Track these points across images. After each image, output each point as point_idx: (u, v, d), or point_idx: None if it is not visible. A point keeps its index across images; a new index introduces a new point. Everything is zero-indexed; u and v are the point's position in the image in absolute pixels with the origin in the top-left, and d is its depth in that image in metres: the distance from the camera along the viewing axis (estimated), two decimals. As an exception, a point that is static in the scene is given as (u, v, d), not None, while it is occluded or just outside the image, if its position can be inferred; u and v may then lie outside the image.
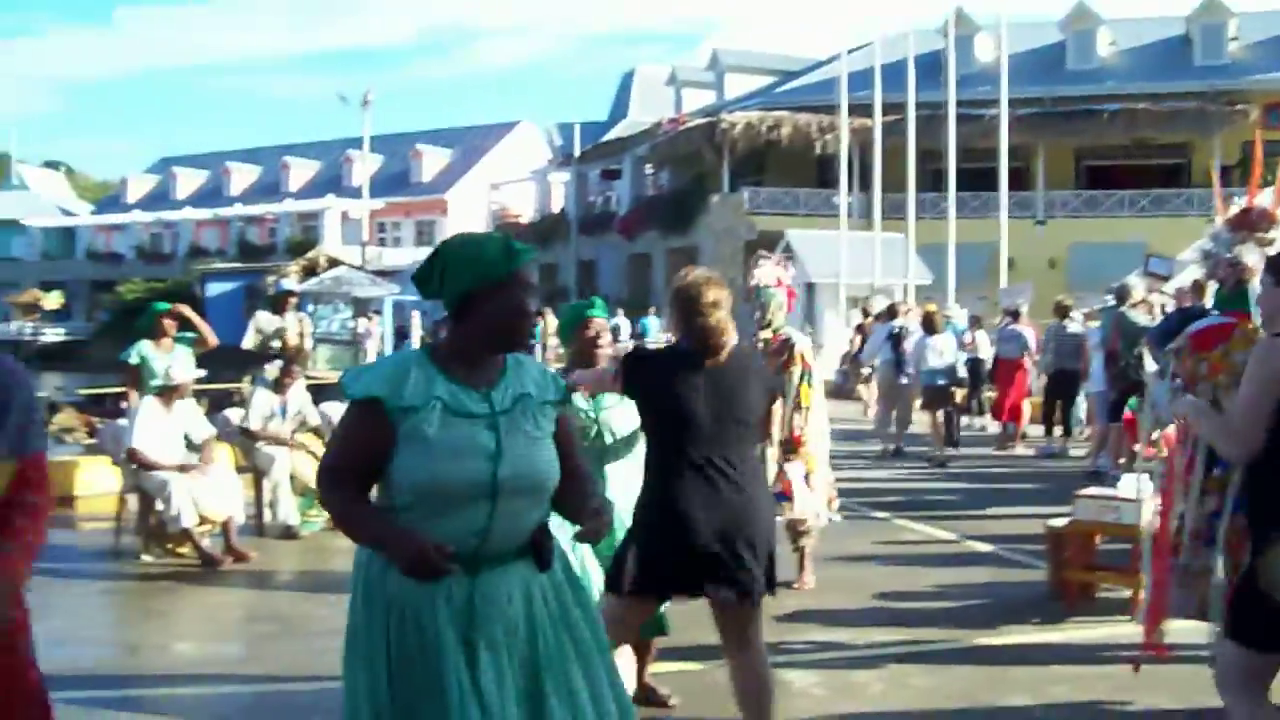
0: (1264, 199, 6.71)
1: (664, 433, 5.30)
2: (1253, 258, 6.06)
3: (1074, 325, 17.93)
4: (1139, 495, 8.40)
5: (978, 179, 40.82)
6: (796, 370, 8.74)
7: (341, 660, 3.70)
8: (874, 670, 7.28)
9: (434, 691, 3.53)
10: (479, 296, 3.71)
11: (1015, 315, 20.03)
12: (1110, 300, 15.22)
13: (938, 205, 39.19)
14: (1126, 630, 8.06)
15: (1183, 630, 6.43)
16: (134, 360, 11.14)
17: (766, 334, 8.99)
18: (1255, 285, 5.47)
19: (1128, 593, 8.56)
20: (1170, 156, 46.08)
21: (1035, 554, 9.67)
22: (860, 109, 37.99)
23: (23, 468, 3.95)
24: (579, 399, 5.97)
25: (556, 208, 63.23)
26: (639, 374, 5.40)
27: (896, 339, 19.05)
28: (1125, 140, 44.14)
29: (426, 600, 3.57)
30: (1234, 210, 6.61)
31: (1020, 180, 42.28)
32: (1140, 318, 14.07)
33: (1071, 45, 47.75)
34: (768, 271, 9.14)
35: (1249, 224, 6.51)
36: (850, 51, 38.18)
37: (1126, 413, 13.03)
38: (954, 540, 11.28)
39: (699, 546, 5.12)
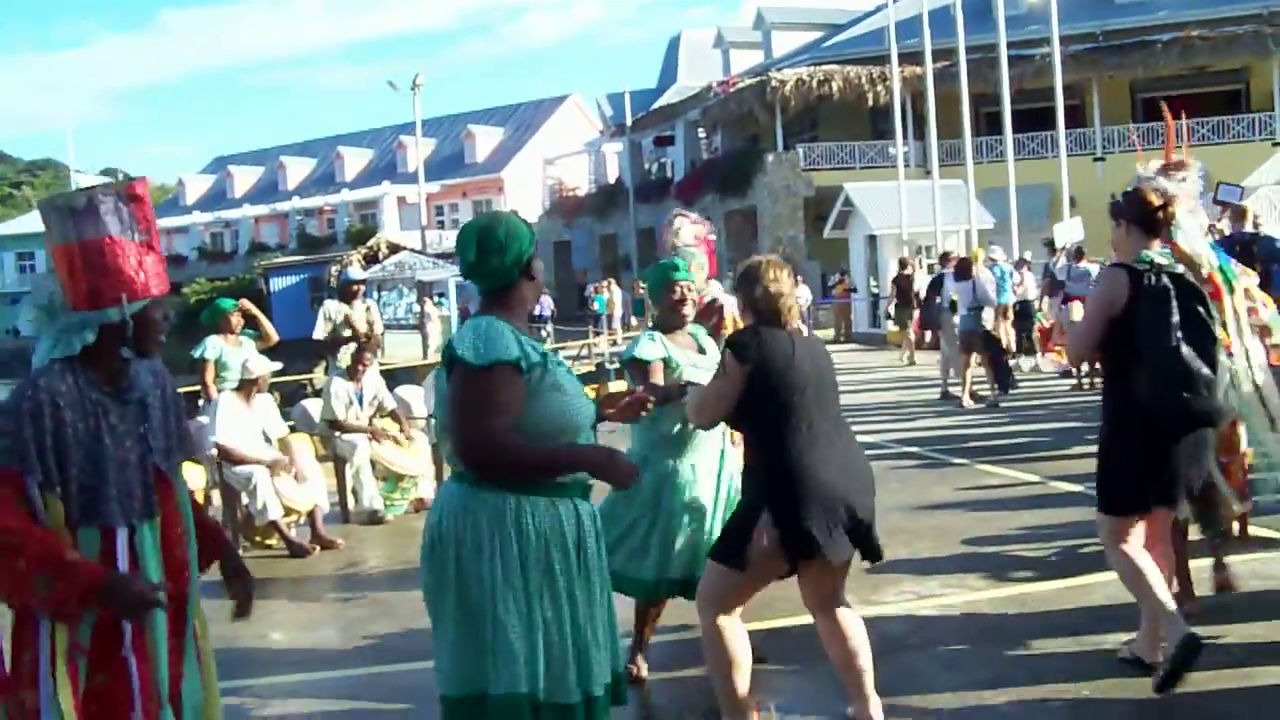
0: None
1: (793, 398, 5.27)
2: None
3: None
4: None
5: (1033, 119, 40.41)
6: (728, 334, 7.87)
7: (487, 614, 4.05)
8: (968, 617, 7.26)
9: (572, 598, 4.15)
10: (529, 266, 4.31)
11: (1079, 254, 19.90)
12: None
13: (995, 149, 38.84)
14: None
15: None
16: (208, 355, 11.24)
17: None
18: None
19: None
20: (1228, 83, 45.35)
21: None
22: (909, 57, 37.61)
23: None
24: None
25: (612, 178, 63.16)
26: (753, 348, 5.32)
27: (937, 285, 19.20)
28: (1181, 69, 43.46)
29: (568, 522, 4.18)
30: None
31: (1076, 117, 41.82)
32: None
33: (1121, -24, 47.10)
34: (687, 230, 8.47)
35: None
36: (896, 0, 37.80)
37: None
38: (1039, 482, 11.20)
39: (843, 509, 5.21)
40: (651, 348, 6.38)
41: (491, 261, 4.24)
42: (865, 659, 5.42)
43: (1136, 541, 5.94)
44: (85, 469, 3.71)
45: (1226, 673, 5.99)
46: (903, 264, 27.66)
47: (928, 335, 24.39)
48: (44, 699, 3.65)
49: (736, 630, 5.36)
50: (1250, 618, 6.82)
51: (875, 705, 5.40)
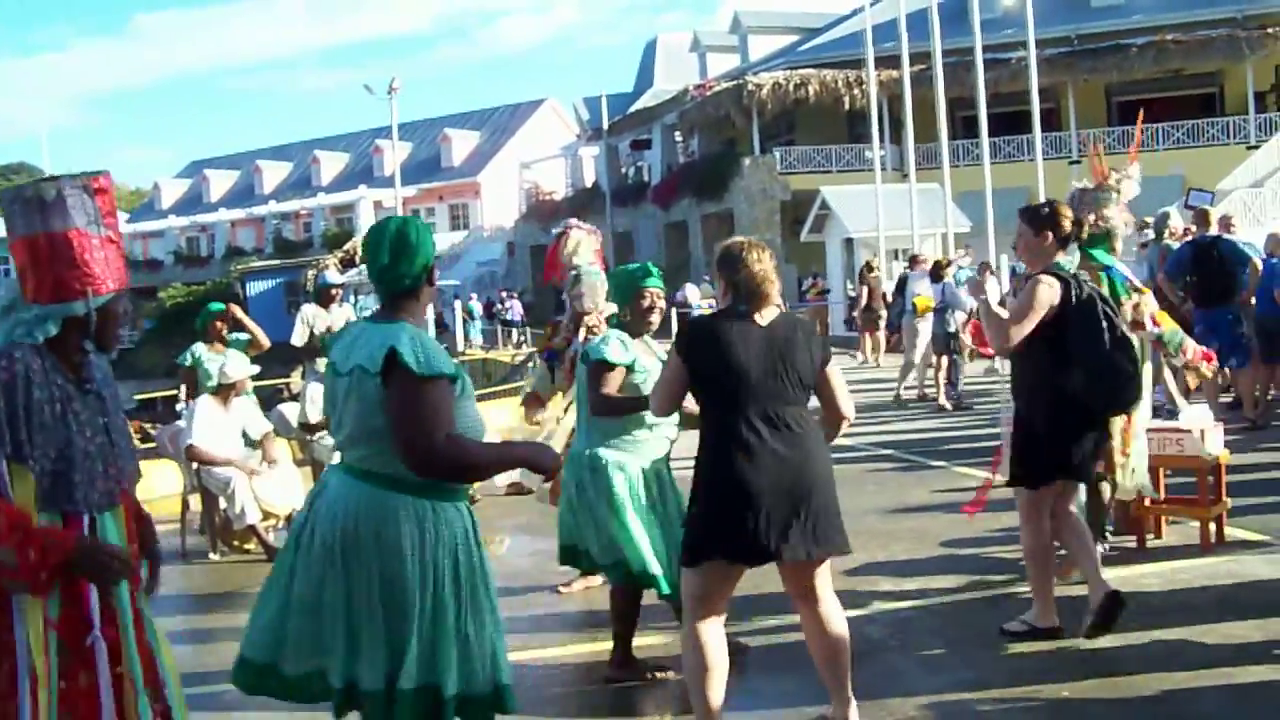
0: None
1: (719, 391, 5.25)
2: (1111, 210, 8.00)
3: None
4: (1201, 426, 8.43)
5: (1009, 123, 40.54)
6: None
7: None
8: (946, 618, 7.27)
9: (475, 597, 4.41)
10: (431, 272, 4.42)
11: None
12: (1149, 234, 15.11)
13: (971, 152, 38.94)
14: (1197, 562, 8.06)
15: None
16: (189, 363, 11.22)
17: (593, 319, 8.15)
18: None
19: (1195, 524, 8.54)
20: (1203, 86, 45.60)
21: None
22: (886, 61, 37.71)
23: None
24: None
25: (589, 182, 63.22)
26: (692, 336, 5.37)
27: (901, 287, 19.60)
28: (1156, 72, 43.68)
29: (468, 527, 4.44)
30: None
31: (1052, 121, 41.96)
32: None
33: (1095, -20, 47.28)
34: (586, 246, 8.14)
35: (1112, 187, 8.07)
36: (873, 3, 37.85)
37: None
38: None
39: (763, 505, 5.10)
40: (620, 352, 6.39)
41: (401, 266, 4.34)
42: (844, 657, 5.40)
43: (1046, 513, 6.73)
44: (52, 452, 3.71)
45: (1206, 672, 6.02)
46: (868, 266, 27.71)
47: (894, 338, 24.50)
48: (22, 698, 3.65)
49: (709, 636, 5.27)
50: (1229, 617, 6.85)
51: (853, 707, 5.40)
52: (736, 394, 5.21)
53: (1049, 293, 6.55)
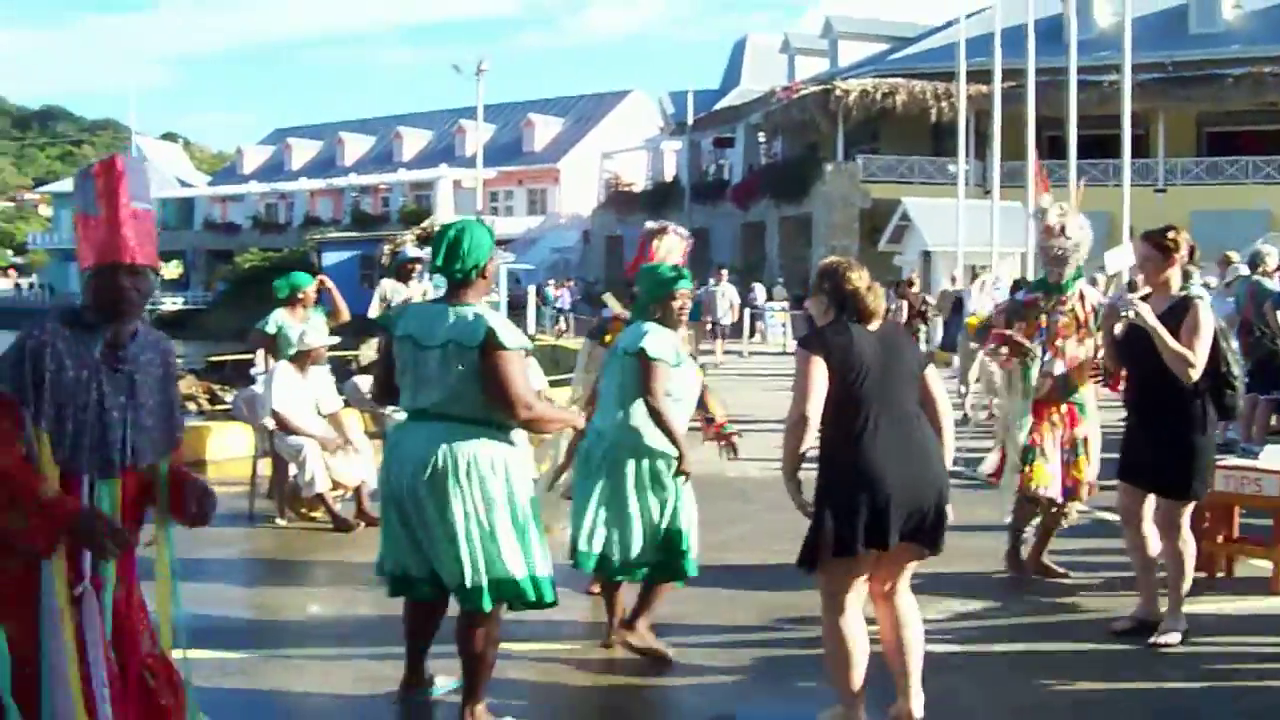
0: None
1: (845, 391, 5.42)
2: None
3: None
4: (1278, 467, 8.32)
5: (1097, 146, 40.14)
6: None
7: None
8: (1010, 643, 7.22)
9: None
10: (482, 270, 5.54)
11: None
12: (1243, 269, 14.90)
13: (1056, 173, 38.57)
14: (1269, 603, 7.95)
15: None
16: (270, 330, 11.21)
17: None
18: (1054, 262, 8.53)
19: (1269, 565, 8.43)
20: (1296, 120, 45.02)
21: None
22: (976, 75, 37.43)
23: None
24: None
25: (669, 176, 63.16)
26: (820, 340, 5.55)
27: (959, 305, 19.39)
28: (1250, 105, 43.16)
29: None
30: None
31: (1140, 147, 41.51)
32: (1274, 285, 13.79)
33: (1195, 7, 46.70)
34: (678, 252, 7.91)
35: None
36: (968, 16, 37.58)
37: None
38: (1085, 510, 11.08)
39: (893, 497, 5.36)
40: (665, 346, 6.64)
41: (454, 265, 5.50)
42: (914, 656, 5.54)
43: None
44: (68, 415, 3.94)
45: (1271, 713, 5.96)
46: (908, 282, 27.31)
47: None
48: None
49: (848, 627, 5.48)
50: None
51: (918, 702, 5.51)
52: (862, 392, 5.43)
53: (1210, 313, 6.99)
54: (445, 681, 6.04)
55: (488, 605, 5.42)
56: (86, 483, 4.00)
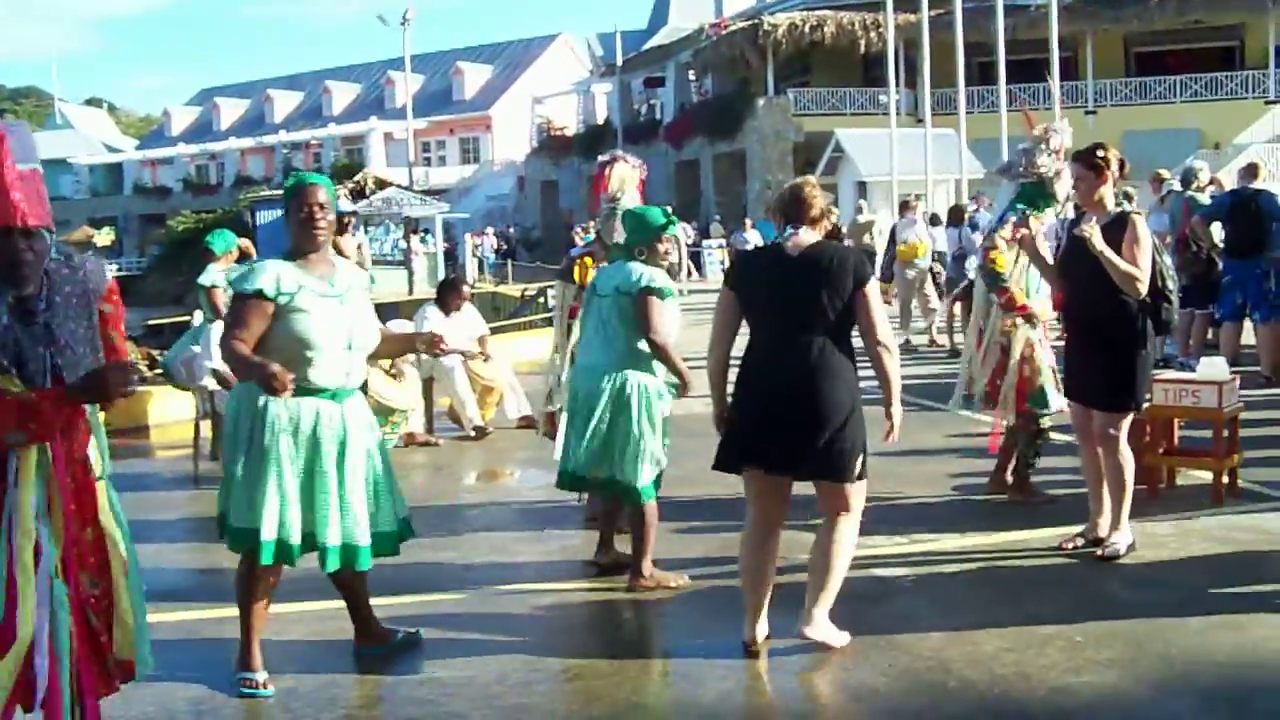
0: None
1: (750, 316, 5.86)
2: (1043, 159, 8.40)
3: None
4: (1217, 379, 8.42)
5: (1027, 70, 40.22)
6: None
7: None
8: (963, 565, 7.28)
9: None
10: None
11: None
12: (1177, 186, 15.02)
13: (987, 99, 38.72)
14: (1210, 513, 8.07)
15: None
16: (216, 281, 11.08)
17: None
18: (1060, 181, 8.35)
19: (1209, 476, 8.53)
20: (1223, 39, 45.27)
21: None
22: (904, 4, 37.42)
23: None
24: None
25: (601, 118, 62.87)
26: (730, 272, 6.12)
27: (893, 236, 19.68)
28: (1177, 24, 43.35)
29: None
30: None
31: (1069, 70, 41.72)
32: (1206, 200, 13.91)
33: (1119, -73, 46.77)
34: (631, 181, 8.01)
35: (1044, 137, 8.53)
36: (893, -55, 37.51)
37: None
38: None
39: (765, 420, 5.68)
40: (663, 279, 6.88)
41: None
42: (817, 575, 5.78)
43: None
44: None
45: (1217, 619, 6.05)
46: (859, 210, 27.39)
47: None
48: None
49: (743, 538, 5.97)
50: (1241, 569, 6.87)
51: (807, 620, 5.76)
52: (756, 318, 5.80)
53: (1147, 228, 7.09)
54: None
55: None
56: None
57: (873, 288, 5.67)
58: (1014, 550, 7.48)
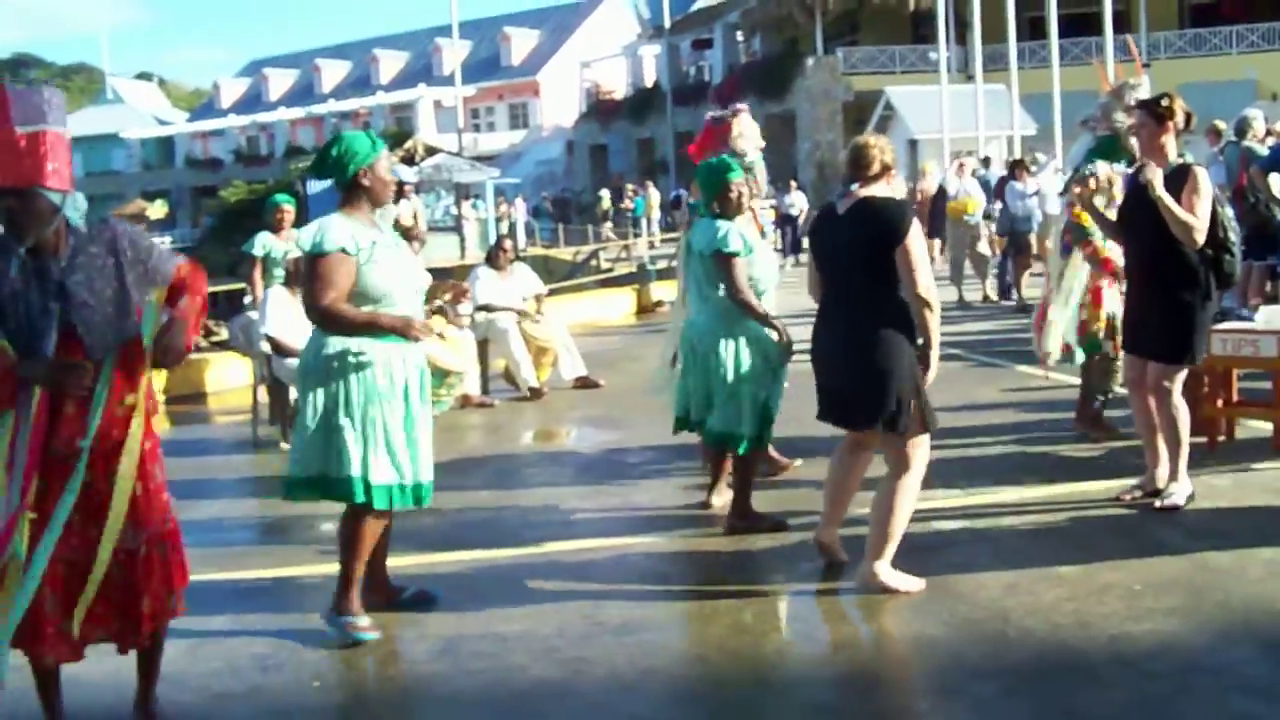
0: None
1: (816, 272, 6.25)
2: (1118, 113, 8.55)
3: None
4: (1277, 328, 8.34)
5: (1079, 24, 39.86)
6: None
7: None
8: (1021, 517, 7.27)
9: None
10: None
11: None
12: (1232, 137, 14.84)
13: (1038, 54, 38.34)
14: (1270, 464, 8.01)
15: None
16: (257, 251, 11.28)
17: (760, 203, 8.84)
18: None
19: (1269, 426, 8.47)
20: (1280, -13, 44.59)
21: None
22: (954, -41, 37.12)
23: (170, 286, 4.66)
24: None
25: (649, 81, 62.70)
26: (810, 227, 6.62)
27: (943, 193, 19.73)
28: (1232, -27, 42.77)
29: None
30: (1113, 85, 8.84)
31: (1122, 23, 41.21)
32: (1263, 150, 13.74)
33: (1173, -124, 46.15)
34: (751, 134, 8.53)
35: (1118, 93, 8.70)
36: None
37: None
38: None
39: (819, 373, 6.16)
40: (734, 240, 7.08)
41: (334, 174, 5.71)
42: (882, 525, 5.93)
43: None
44: (9, 320, 4.40)
45: (1277, 568, 6.04)
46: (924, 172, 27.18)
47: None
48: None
49: (832, 461, 6.40)
50: None
51: (876, 572, 5.95)
52: (822, 275, 6.15)
53: (1209, 178, 6.96)
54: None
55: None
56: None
57: (912, 240, 5.75)
58: (1072, 502, 7.45)
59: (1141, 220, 7.02)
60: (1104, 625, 5.44)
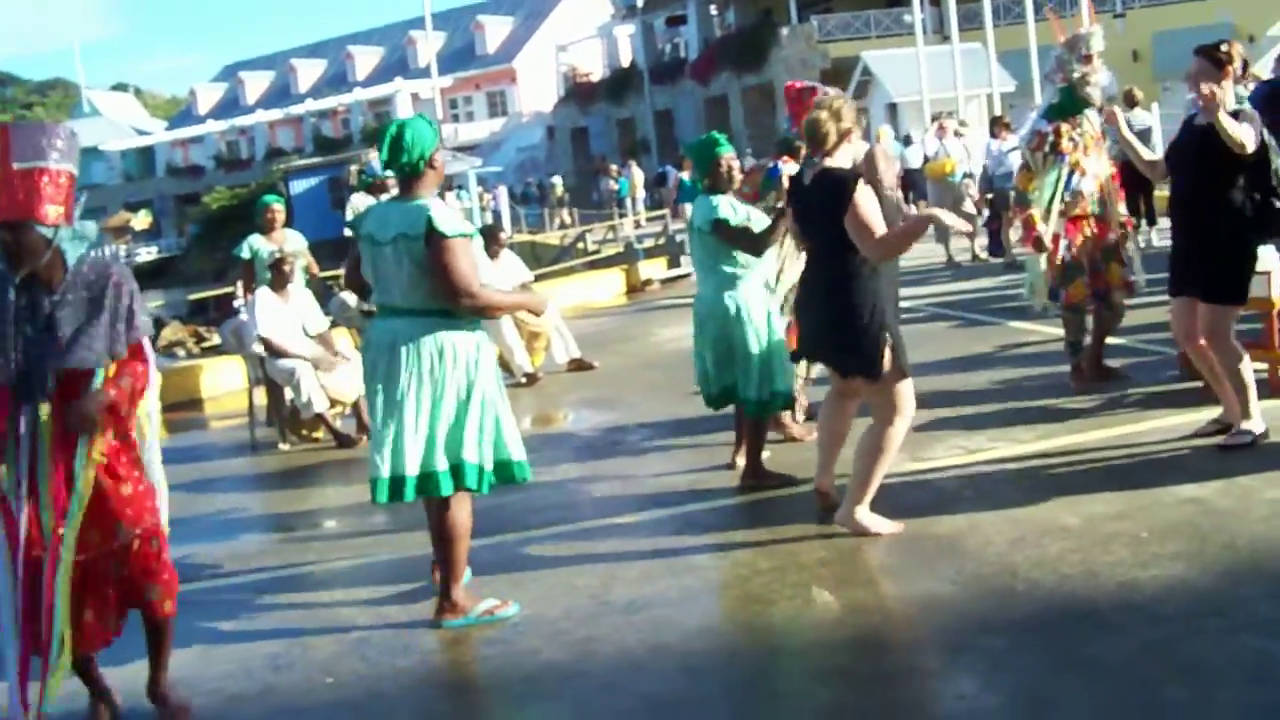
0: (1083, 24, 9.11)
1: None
2: (1072, 65, 8.81)
3: (1141, 115, 17.66)
4: (1270, 269, 8.32)
5: (1052, -24, 39.75)
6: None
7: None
8: (1021, 471, 7.27)
9: None
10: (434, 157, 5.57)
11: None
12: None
13: (1013, 10, 38.31)
14: (1266, 405, 8.00)
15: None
16: (246, 255, 11.29)
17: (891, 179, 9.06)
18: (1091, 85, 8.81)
19: (1264, 367, 8.46)
20: (1250, -75, 44.51)
21: (1166, 341, 9.52)
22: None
23: (120, 362, 4.75)
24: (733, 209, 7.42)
25: (626, 62, 62.55)
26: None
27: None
28: (1205, -84, 42.64)
29: None
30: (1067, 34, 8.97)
31: (1095, -27, 41.17)
32: (1245, 93, 13.72)
33: None
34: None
35: (1073, 43, 8.86)
36: None
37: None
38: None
39: (803, 324, 6.61)
40: (730, 210, 7.37)
41: (400, 159, 5.51)
42: (859, 470, 6.25)
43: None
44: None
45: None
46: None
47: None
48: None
49: (821, 413, 6.76)
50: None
51: (851, 515, 6.30)
52: (799, 237, 6.78)
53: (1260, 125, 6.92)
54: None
55: (446, 490, 5.60)
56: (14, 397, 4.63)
57: (860, 198, 5.95)
58: (1071, 453, 7.45)
59: (1187, 161, 7.10)
60: (1111, 573, 5.44)
